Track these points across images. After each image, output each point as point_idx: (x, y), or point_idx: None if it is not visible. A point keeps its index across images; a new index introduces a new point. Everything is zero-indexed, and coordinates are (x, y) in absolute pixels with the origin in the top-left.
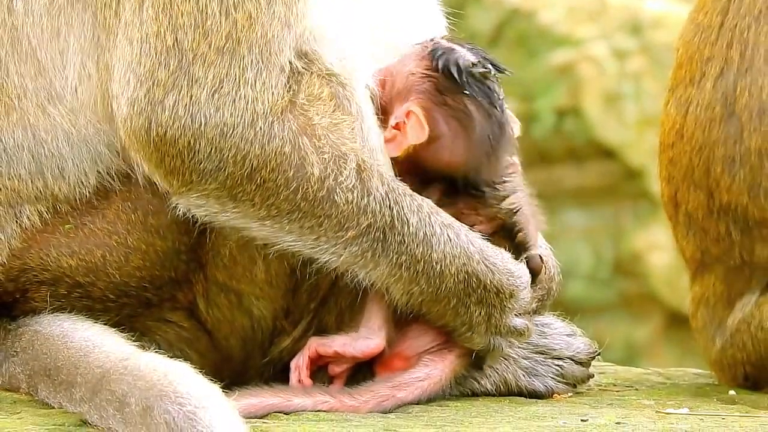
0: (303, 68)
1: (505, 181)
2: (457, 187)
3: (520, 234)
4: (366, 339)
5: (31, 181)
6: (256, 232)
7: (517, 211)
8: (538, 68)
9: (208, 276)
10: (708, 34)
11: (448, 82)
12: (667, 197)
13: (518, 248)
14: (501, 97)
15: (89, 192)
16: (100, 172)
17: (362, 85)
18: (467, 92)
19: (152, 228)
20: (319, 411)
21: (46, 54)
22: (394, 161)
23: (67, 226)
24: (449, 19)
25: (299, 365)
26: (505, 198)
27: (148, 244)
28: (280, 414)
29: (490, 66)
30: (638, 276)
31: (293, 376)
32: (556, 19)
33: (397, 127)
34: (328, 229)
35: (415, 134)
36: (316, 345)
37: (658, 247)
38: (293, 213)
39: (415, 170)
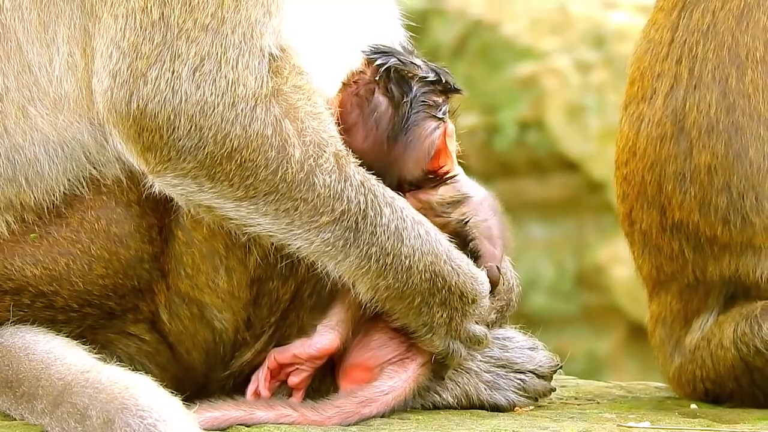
0: (283, 60)
1: (441, 184)
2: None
3: (471, 243)
4: (321, 335)
5: (4, 190)
6: (231, 213)
7: (468, 221)
8: (501, 80)
9: (171, 285)
10: (659, 51)
11: (366, 72)
12: (623, 215)
13: (472, 257)
14: (424, 101)
15: (58, 200)
16: (70, 180)
17: (329, 87)
18: (377, 79)
19: (115, 237)
20: (281, 424)
21: (32, 48)
22: None
23: (32, 235)
24: (412, 31)
25: (258, 377)
26: (454, 204)
27: (112, 252)
28: (241, 427)
29: (431, 74)
30: (601, 288)
31: (250, 387)
32: (520, 32)
33: None
34: (303, 212)
35: None
36: (275, 353)
37: (621, 260)
38: (270, 194)
39: None
